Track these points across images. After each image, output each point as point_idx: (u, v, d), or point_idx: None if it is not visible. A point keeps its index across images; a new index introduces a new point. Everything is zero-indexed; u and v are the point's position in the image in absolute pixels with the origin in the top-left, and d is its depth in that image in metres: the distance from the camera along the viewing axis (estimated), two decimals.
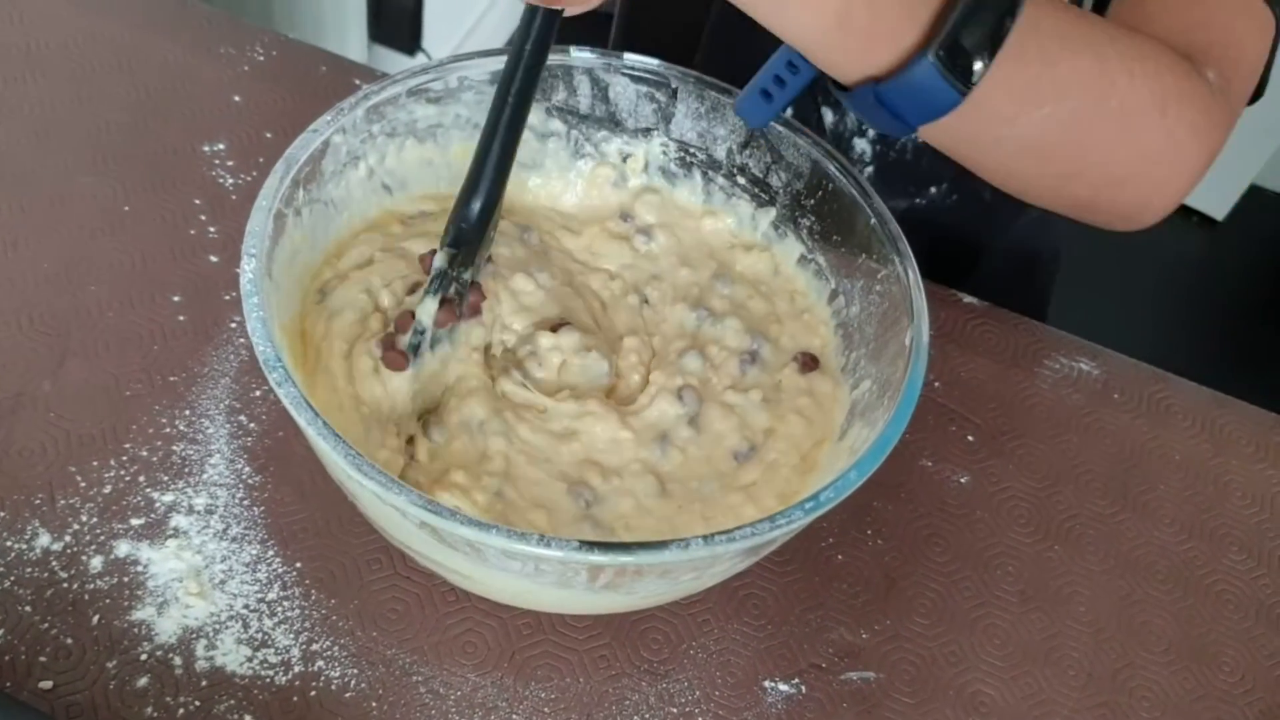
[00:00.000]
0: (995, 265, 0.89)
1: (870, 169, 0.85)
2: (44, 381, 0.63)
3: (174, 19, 0.84)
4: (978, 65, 0.50)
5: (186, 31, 0.83)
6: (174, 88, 0.79)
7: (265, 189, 0.53)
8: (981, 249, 0.89)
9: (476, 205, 0.55)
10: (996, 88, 0.52)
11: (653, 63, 0.64)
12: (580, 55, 0.64)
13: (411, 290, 0.58)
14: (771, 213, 0.66)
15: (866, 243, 0.60)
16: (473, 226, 0.55)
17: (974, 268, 0.88)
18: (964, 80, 0.50)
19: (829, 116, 0.83)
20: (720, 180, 0.67)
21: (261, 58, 0.82)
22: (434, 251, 0.57)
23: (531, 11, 0.53)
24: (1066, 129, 0.56)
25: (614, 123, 0.66)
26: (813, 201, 0.63)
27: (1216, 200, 2.40)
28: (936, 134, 0.56)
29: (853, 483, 0.48)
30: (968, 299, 0.77)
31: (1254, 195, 2.41)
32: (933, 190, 0.84)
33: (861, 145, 0.84)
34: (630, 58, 0.64)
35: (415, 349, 0.56)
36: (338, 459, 0.45)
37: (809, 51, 0.52)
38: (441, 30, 1.97)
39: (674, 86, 0.65)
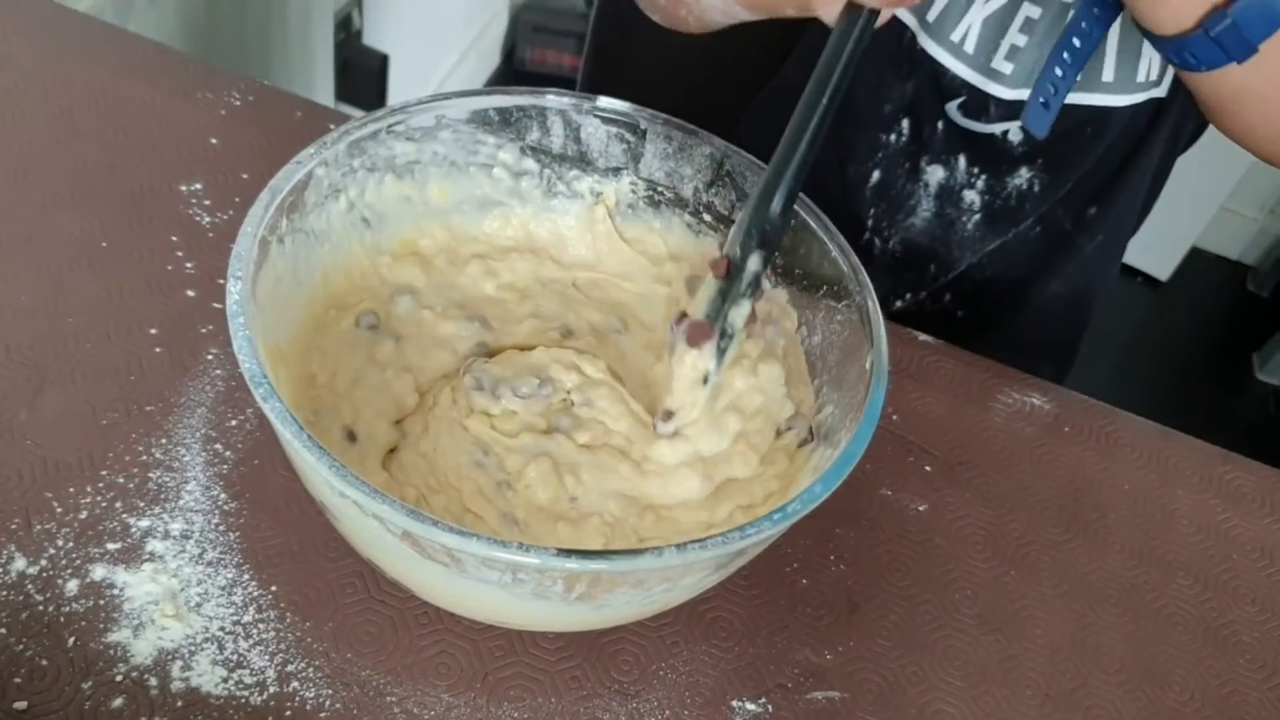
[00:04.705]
0: (1053, 296, 0.94)
1: (978, 216, 0.89)
2: (20, 410, 0.64)
3: (152, 65, 0.86)
4: None
5: (164, 77, 0.85)
6: (151, 130, 0.81)
7: (251, 215, 0.55)
8: (1049, 277, 0.94)
9: (779, 205, 0.57)
10: None
11: (623, 105, 0.67)
12: (554, 97, 0.66)
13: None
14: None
15: (829, 275, 0.62)
16: (776, 226, 0.57)
17: (1033, 297, 0.94)
18: None
19: (939, 173, 0.87)
20: (687, 217, 0.69)
21: (238, 102, 0.84)
22: (726, 258, 0.58)
23: (850, 20, 0.55)
24: None
25: (585, 162, 0.69)
26: None
27: (1160, 261, 2.47)
28: (1249, 69, 0.63)
29: (818, 496, 0.50)
30: (923, 337, 0.80)
31: (1196, 257, 2.49)
32: (1022, 225, 0.90)
33: (971, 196, 0.88)
34: (602, 100, 0.66)
35: (723, 354, 0.58)
36: (322, 470, 0.46)
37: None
38: (406, 90, 2.00)
39: (643, 128, 0.68)
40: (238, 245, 0.54)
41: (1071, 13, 0.72)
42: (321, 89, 1.72)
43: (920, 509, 0.71)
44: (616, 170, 0.69)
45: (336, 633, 0.58)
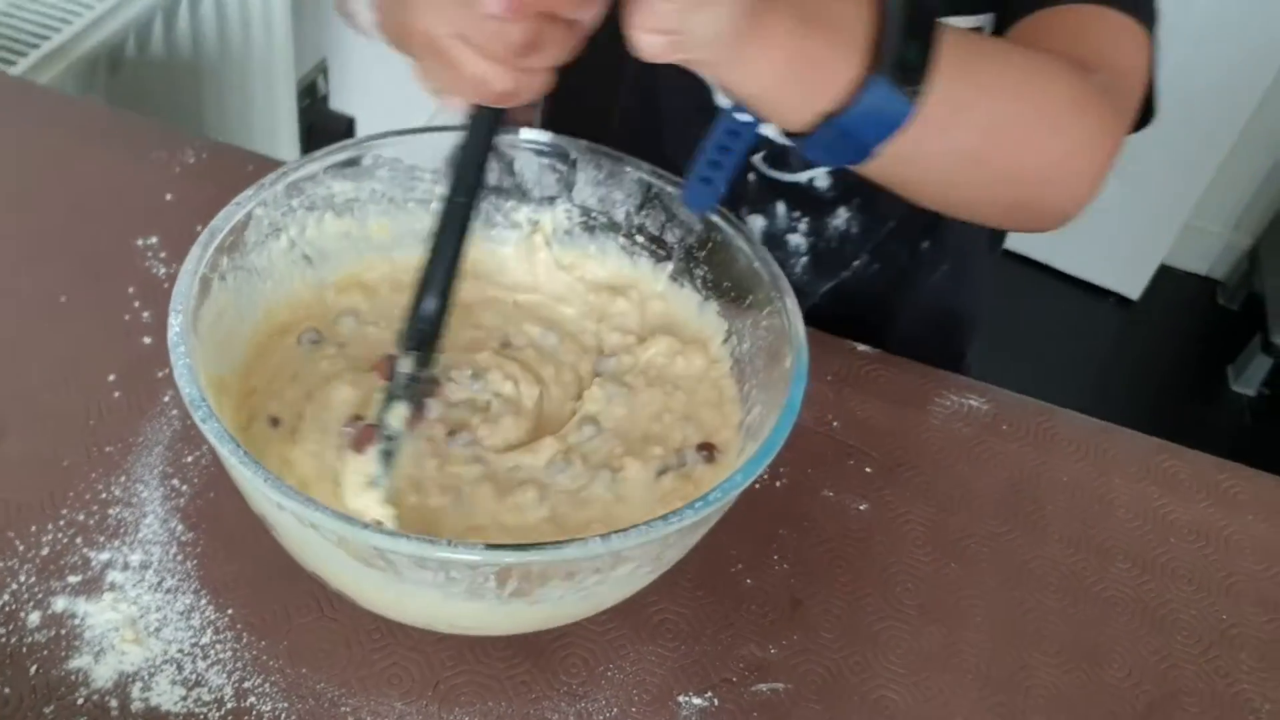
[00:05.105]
0: (911, 323, 0.95)
1: (806, 259, 0.91)
2: None
3: (108, 128, 0.89)
4: (920, 77, 0.56)
5: (120, 139, 0.88)
6: (108, 189, 0.84)
7: (191, 255, 0.58)
8: (900, 308, 0.95)
9: (433, 304, 0.55)
10: (934, 99, 0.57)
11: (548, 136, 0.70)
12: None
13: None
14: (669, 266, 0.71)
15: (753, 285, 0.65)
16: (432, 326, 0.55)
17: (892, 327, 0.94)
18: (912, 93, 0.56)
19: (760, 222, 0.90)
20: (621, 240, 0.72)
21: (192, 160, 0.87)
22: (392, 356, 0.57)
23: (476, 114, 0.53)
24: (997, 132, 0.62)
25: (521, 193, 0.72)
26: (704, 253, 0.69)
27: (1130, 280, 2.50)
28: (886, 160, 0.60)
29: (739, 484, 0.53)
30: (861, 347, 0.83)
31: (1165, 274, 2.52)
32: (856, 264, 0.91)
33: (795, 240, 0.90)
34: (525, 133, 0.70)
35: (388, 456, 0.57)
36: (259, 484, 0.49)
37: (766, 102, 0.57)
38: None
39: (573, 157, 0.71)
40: (178, 283, 0.57)
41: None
42: (286, 154, 1.76)
43: (861, 508, 0.73)
44: (551, 199, 0.72)
45: (291, 650, 0.60)
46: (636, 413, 0.65)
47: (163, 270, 0.79)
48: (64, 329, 0.74)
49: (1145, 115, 0.75)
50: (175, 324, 0.55)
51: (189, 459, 0.68)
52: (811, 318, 0.91)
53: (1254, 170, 2.42)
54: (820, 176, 0.86)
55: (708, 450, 0.64)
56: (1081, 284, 2.54)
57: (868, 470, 0.75)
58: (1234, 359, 2.41)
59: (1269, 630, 0.71)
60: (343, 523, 0.48)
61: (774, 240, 0.89)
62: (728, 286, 0.68)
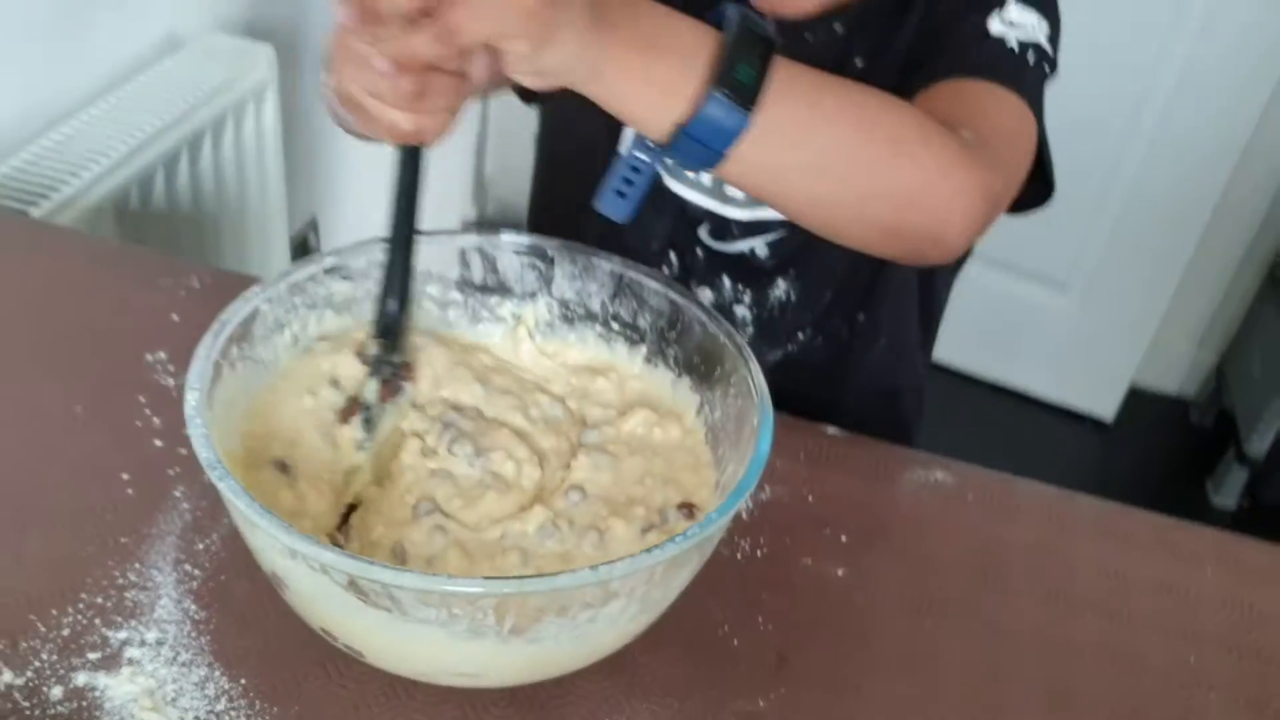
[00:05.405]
0: (857, 396, 1.01)
1: (751, 329, 0.98)
2: (4, 554, 0.70)
3: (116, 259, 0.96)
4: (753, 94, 0.63)
5: (129, 268, 0.95)
6: (119, 312, 0.90)
7: (203, 342, 0.64)
8: (846, 383, 1.01)
9: (394, 302, 0.67)
10: (777, 117, 0.64)
11: (525, 237, 0.77)
12: (465, 237, 0.76)
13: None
14: (643, 349, 0.77)
15: (720, 356, 0.71)
16: (394, 319, 0.68)
17: (840, 400, 1.00)
18: (747, 106, 0.63)
19: (707, 295, 0.98)
20: (598, 328, 0.78)
21: (197, 285, 0.94)
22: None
23: (402, 151, 0.64)
24: (848, 151, 0.69)
25: (504, 289, 0.78)
26: (674, 333, 0.75)
27: (1102, 403, 2.57)
28: (742, 168, 0.67)
29: (714, 521, 0.57)
30: (831, 430, 0.88)
31: (1136, 396, 2.59)
32: (800, 336, 0.98)
33: (741, 311, 0.99)
34: (505, 235, 0.77)
35: (368, 423, 0.69)
36: (272, 531, 0.53)
37: (631, 114, 0.65)
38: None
39: (551, 255, 0.77)
40: (193, 365, 0.62)
41: None
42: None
43: (839, 573, 0.77)
44: (532, 294, 0.79)
45: (302, 714, 0.63)
46: (621, 478, 0.70)
47: (171, 382, 0.84)
48: (80, 435, 0.79)
49: (1045, 191, 0.82)
50: (191, 399, 0.60)
51: (200, 546, 0.72)
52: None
53: (1212, 288, 2.51)
54: (759, 246, 0.94)
55: (688, 509, 0.68)
56: (1056, 409, 2.61)
57: (843, 539, 0.79)
58: (1211, 473, 2.46)
59: (1237, 670, 0.74)
60: (352, 560, 0.52)
61: (721, 313, 0.95)
62: (697, 362, 0.74)
